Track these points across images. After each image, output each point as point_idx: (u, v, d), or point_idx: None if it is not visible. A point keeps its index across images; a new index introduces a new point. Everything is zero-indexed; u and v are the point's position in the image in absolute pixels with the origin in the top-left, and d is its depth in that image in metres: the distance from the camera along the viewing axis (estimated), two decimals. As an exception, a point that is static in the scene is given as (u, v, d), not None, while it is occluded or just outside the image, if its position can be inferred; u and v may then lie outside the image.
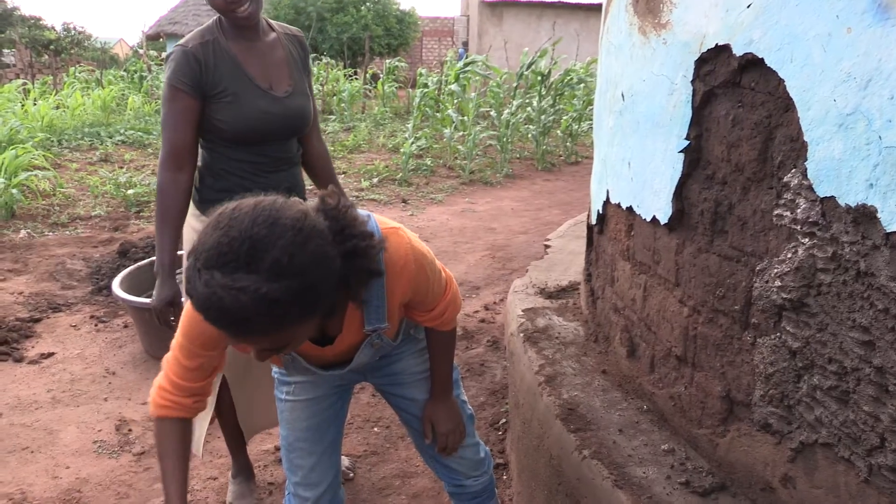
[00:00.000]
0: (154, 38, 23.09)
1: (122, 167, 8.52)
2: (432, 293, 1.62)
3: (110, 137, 10.29)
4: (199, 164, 2.21)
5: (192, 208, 2.21)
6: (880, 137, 1.18)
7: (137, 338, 3.83)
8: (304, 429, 1.79)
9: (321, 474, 1.81)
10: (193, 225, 2.20)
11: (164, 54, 19.33)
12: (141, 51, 17.49)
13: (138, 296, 3.60)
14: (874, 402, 1.25)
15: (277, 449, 2.85)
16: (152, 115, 12.66)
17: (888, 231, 1.18)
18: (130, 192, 6.93)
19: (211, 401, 2.39)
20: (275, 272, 1.09)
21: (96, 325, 4.11)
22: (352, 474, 2.74)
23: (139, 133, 10.68)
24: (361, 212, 1.43)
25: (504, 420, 3.07)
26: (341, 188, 2.59)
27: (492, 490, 2.03)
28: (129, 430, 3.02)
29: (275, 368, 1.85)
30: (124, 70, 17.64)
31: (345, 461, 2.77)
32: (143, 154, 9.62)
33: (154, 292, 2.14)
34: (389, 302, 1.52)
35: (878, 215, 1.19)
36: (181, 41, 2.11)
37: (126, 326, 4.08)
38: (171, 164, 2.09)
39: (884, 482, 1.25)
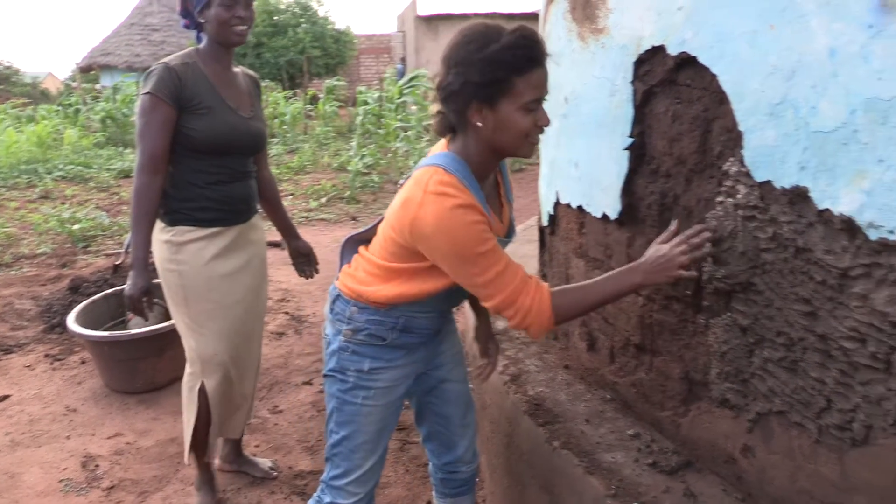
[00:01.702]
0: (87, 70, 22.64)
1: (64, 203, 8.34)
2: None
3: (49, 174, 10.07)
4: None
5: (157, 222, 2.36)
6: (807, 123, 1.28)
7: (96, 373, 3.77)
8: (375, 431, 1.83)
9: (374, 473, 1.88)
10: (159, 238, 2.36)
11: (98, 86, 19.01)
12: (75, 84, 17.13)
13: (95, 330, 3.56)
14: (819, 367, 1.34)
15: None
16: (91, 148, 12.43)
17: (820, 209, 1.28)
18: (76, 227, 6.80)
19: (192, 409, 2.50)
20: None
21: (52, 364, 4.03)
22: (275, 473, 2.87)
23: (79, 167, 10.47)
24: None
25: (471, 424, 3.12)
26: (285, 210, 2.82)
27: (474, 482, 2.10)
28: (97, 465, 2.98)
29: (351, 371, 1.80)
30: (58, 104, 17.25)
31: (267, 462, 2.91)
32: (84, 189, 9.43)
33: (128, 283, 2.31)
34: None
35: (811, 195, 1.29)
36: (163, 60, 2.33)
37: (83, 362, 4.01)
38: (149, 169, 2.27)
39: (832, 440, 1.34)
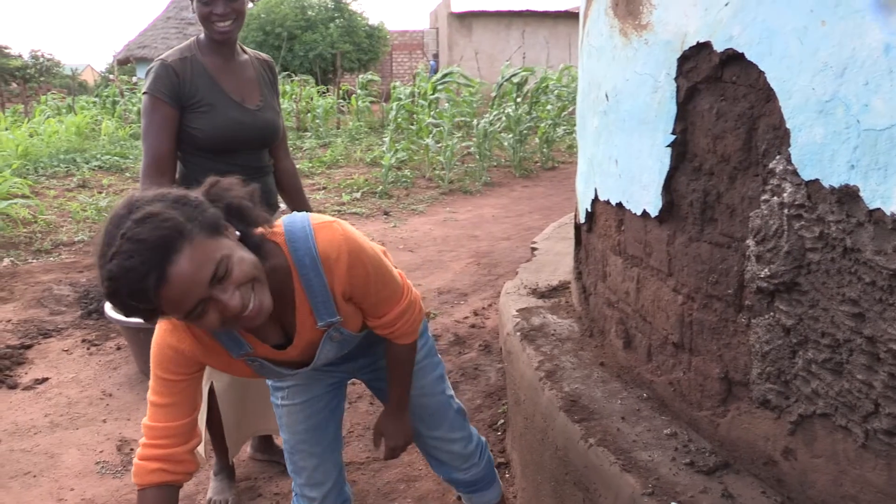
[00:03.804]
0: (124, 63, 22.99)
1: (101, 192, 8.49)
2: (377, 295, 1.57)
3: (87, 163, 10.24)
4: (176, 178, 2.32)
5: None
6: (858, 121, 1.26)
7: (132, 359, 3.83)
8: (303, 430, 1.84)
9: (325, 473, 1.87)
10: None
11: (135, 78, 19.30)
12: (112, 76, 17.43)
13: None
14: (867, 370, 1.32)
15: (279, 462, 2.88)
16: (127, 139, 12.61)
17: (871, 208, 1.25)
18: (112, 216, 6.91)
19: (204, 408, 2.44)
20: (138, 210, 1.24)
21: (89, 349, 4.11)
22: None
23: (116, 158, 10.65)
24: (297, 215, 1.51)
25: (502, 421, 3.12)
26: (308, 203, 2.67)
27: (490, 479, 2.10)
28: (131, 449, 3.03)
29: None
30: (95, 95, 17.55)
31: None
32: (121, 178, 9.59)
33: None
34: (334, 294, 1.50)
35: (861, 194, 1.27)
36: (161, 56, 2.27)
37: (119, 348, 4.09)
38: (153, 171, 2.22)
39: (880, 445, 1.32)
